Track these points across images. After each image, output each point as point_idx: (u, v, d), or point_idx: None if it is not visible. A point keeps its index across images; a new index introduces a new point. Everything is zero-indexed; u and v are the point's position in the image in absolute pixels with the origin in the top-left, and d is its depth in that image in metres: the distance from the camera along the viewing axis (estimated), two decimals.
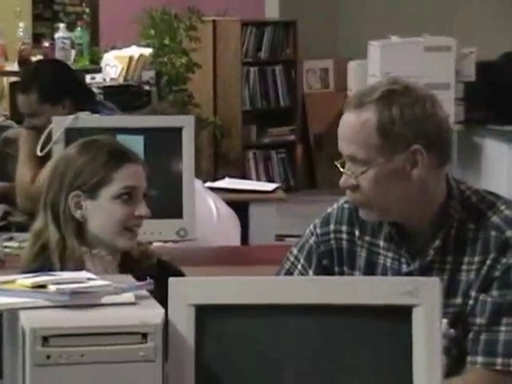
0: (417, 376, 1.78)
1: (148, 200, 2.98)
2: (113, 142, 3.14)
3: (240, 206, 5.19)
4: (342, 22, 10.65)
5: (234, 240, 4.32)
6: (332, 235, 2.77)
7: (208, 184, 5.39)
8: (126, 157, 3.00)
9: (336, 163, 2.66)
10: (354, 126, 2.59)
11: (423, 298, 1.80)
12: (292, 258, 2.82)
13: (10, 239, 4.16)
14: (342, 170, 2.63)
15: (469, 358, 2.56)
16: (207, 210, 4.40)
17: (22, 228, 4.27)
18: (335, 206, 2.80)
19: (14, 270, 2.63)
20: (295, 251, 2.83)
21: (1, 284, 1.85)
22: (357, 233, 2.75)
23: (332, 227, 2.77)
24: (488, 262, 2.57)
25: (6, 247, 4.02)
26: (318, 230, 2.79)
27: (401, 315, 1.80)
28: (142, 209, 2.95)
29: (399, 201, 2.62)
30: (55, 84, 5.09)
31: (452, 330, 2.56)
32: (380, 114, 2.56)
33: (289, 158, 11.03)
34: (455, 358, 2.56)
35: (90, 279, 1.87)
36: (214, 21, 10.64)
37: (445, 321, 2.50)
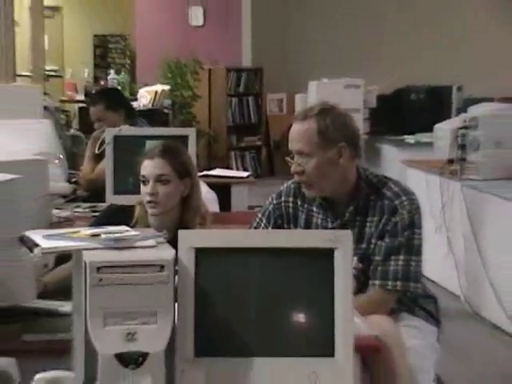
0: (337, 295, 1.80)
1: (163, 182, 2.88)
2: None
3: (225, 187, 5.25)
4: (292, 70, 10.62)
5: (214, 209, 4.24)
6: (283, 204, 2.80)
7: (204, 172, 5.36)
8: (146, 155, 2.94)
9: (287, 158, 2.70)
10: (301, 132, 2.64)
11: (341, 243, 1.80)
12: (257, 219, 2.85)
13: (77, 207, 4.18)
14: (292, 161, 2.67)
15: (370, 282, 2.61)
16: None
17: (84, 200, 4.38)
18: (285, 185, 2.84)
19: (80, 226, 2.61)
20: (259, 215, 2.86)
21: (70, 234, 1.84)
22: (299, 202, 2.78)
23: (283, 199, 2.81)
24: (383, 220, 2.62)
25: (75, 212, 4.05)
26: (274, 201, 2.82)
27: (326, 255, 1.81)
28: (148, 188, 2.87)
29: (330, 180, 2.66)
30: (116, 97, 5.17)
31: (360, 264, 2.63)
32: (319, 123, 2.61)
33: (257, 156, 11.01)
34: (362, 283, 2.62)
35: (127, 231, 1.85)
36: (209, 69, 10.61)
37: (355, 258, 2.58)
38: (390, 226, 2.62)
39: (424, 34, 10.80)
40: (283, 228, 2.77)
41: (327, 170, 2.64)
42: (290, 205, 2.80)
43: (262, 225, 2.83)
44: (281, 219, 2.80)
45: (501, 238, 4.98)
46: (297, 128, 2.67)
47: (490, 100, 6.93)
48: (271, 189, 2.95)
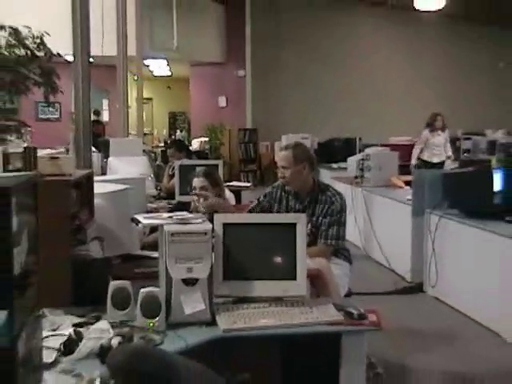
0: (298, 247, 1.75)
1: (204, 189, 2.78)
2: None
3: (238, 191, 5.01)
4: (272, 129, 10.45)
5: (232, 203, 4.14)
6: (274, 192, 2.71)
7: (227, 183, 5.21)
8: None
9: (276, 170, 2.64)
10: (284, 155, 2.59)
11: (300, 220, 1.78)
12: (261, 197, 2.74)
13: (160, 202, 4.09)
14: (279, 171, 2.62)
15: (318, 241, 2.54)
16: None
17: (164, 198, 4.30)
18: (276, 183, 2.73)
19: (162, 212, 2.51)
20: (261, 196, 2.74)
21: (157, 216, 1.82)
22: (282, 193, 2.69)
23: (274, 190, 2.71)
24: (326, 207, 2.56)
25: (159, 204, 3.93)
26: (270, 190, 2.72)
27: (292, 226, 1.77)
28: (197, 191, 2.79)
29: (298, 182, 2.59)
30: (181, 144, 5.08)
31: (312, 229, 2.54)
32: (294, 151, 2.56)
33: (254, 175, 10.78)
34: (312, 241, 2.53)
35: (187, 214, 1.82)
36: (229, 129, 10.48)
37: (309, 225, 2.50)
38: (329, 211, 2.58)
39: (342, 106, 10.83)
40: (273, 206, 2.68)
41: (297, 176, 2.60)
42: (278, 194, 2.72)
43: (261, 198, 2.72)
44: (272, 200, 2.72)
45: (381, 216, 5.02)
46: (282, 153, 2.64)
47: (376, 145, 6.95)
48: (262, 192, 2.89)
